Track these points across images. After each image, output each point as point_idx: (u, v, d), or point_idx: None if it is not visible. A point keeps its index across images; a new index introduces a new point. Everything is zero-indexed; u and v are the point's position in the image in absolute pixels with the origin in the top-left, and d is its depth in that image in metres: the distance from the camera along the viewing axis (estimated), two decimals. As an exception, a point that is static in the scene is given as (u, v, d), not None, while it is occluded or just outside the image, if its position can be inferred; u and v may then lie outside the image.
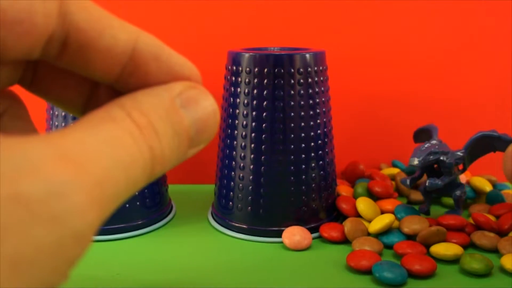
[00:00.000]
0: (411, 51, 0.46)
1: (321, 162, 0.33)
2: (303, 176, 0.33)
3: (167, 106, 0.13)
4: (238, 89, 0.32)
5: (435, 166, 0.35)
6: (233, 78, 0.33)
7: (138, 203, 0.35)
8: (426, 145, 0.34)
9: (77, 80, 0.16)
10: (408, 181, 0.35)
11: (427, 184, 0.34)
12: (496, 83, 0.46)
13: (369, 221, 0.34)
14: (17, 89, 0.17)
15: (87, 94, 0.16)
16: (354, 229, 0.33)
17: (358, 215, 0.35)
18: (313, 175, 0.33)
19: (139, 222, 0.35)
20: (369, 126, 0.47)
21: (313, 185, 0.33)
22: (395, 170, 0.44)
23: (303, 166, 0.33)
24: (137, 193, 0.34)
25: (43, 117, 0.36)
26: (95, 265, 0.30)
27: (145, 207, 0.35)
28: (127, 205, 0.34)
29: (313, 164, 0.33)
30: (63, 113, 0.33)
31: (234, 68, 0.33)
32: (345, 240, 0.33)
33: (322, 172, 0.34)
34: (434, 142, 0.34)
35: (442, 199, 0.40)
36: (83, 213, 0.10)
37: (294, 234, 0.32)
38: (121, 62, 0.14)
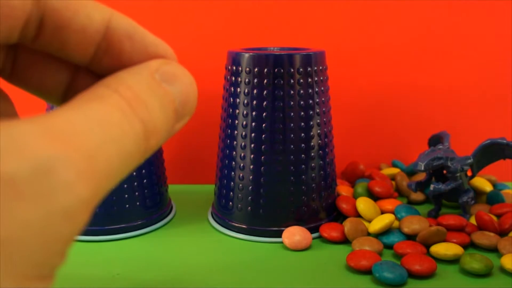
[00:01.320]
0: (412, 51, 0.46)
1: (321, 162, 0.33)
2: (303, 176, 0.33)
3: (149, 81, 0.14)
4: (238, 89, 0.32)
5: (444, 172, 0.35)
6: (233, 78, 0.33)
7: (138, 203, 0.35)
8: (431, 151, 0.34)
9: (56, 67, 0.16)
10: (413, 186, 0.36)
11: (431, 188, 0.34)
12: (499, 84, 0.46)
13: (369, 221, 0.34)
14: (16, 89, 0.17)
15: (66, 82, 0.16)
16: (354, 229, 0.33)
17: (358, 215, 0.35)
18: (313, 175, 0.33)
19: (139, 222, 0.35)
20: (369, 126, 0.47)
21: (313, 185, 0.33)
22: (395, 170, 0.44)
23: (303, 166, 0.33)
24: (137, 193, 0.35)
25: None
26: (95, 265, 0.30)
27: (145, 207, 0.35)
28: (127, 205, 0.34)
29: (313, 164, 0.33)
30: (63, 113, 0.33)
31: (234, 68, 0.33)
32: (345, 240, 0.33)
33: (322, 172, 0.34)
34: (440, 147, 0.34)
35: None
36: (72, 188, 0.10)
37: (294, 234, 0.32)
38: (95, 41, 0.14)
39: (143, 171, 0.35)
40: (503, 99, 0.46)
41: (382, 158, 0.47)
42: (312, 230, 0.34)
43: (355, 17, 0.45)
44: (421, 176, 0.42)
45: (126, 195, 0.34)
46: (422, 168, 0.33)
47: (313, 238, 0.33)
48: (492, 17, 0.45)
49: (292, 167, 0.32)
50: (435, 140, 0.40)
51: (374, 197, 0.38)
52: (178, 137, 0.46)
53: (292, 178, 0.33)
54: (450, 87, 0.46)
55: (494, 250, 0.31)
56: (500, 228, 0.33)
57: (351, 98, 0.46)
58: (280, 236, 0.33)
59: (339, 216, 0.37)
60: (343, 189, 0.38)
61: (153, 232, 0.35)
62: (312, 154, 0.33)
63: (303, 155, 0.32)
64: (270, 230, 0.33)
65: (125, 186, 0.34)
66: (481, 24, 0.45)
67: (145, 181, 0.35)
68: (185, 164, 0.46)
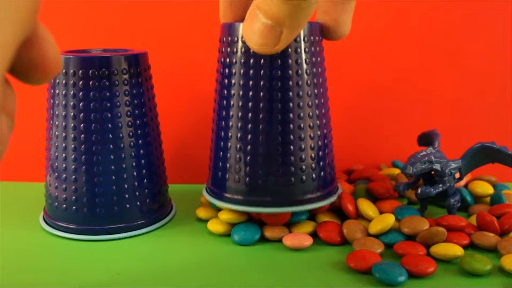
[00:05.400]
0: (412, 50, 0.46)
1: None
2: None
3: None
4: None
5: (432, 172, 0.35)
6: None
7: (138, 203, 0.35)
8: (421, 154, 0.34)
9: None
10: (401, 187, 0.35)
11: (418, 191, 0.34)
12: (498, 83, 0.46)
13: (370, 222, 0.34)
14: (17, 86, 0.17)
15: None
16: (354, 230, 0.33)
17: (358, 215, 0.35)
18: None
19: (139, 222, 0.35)
20: (369, 127, 0.47)
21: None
22: (395, 171, 0.44)
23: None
24: (137, 193, 0.35)
25: (44, 117, 0.36)
26: (95, 265, 0.30)
27: (145, 207, 0.35)
28: (127, 205, 0.34)
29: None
30: (63, 113, 0.33)
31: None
32: (345, 241, 0.33)
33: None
34: (429, 150, 0.34)
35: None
36: None
37: (295, 234, 0.32)
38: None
39: (143, 171, 0.35)
40: (505, 100, 0.46)
41: (382, 158, 0.48)
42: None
43: (356, 16, 0.45)
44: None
45: (127, 195, 0.34)
46: (411, 172, 0.33)
47: (313, 238, 0.33)
48: (489, 20, 0.45)
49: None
50: (425, 139, 0.40)
51: (374, 198, 0.38)
52: (179, 137, 0.46)
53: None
54: (452, 86, 0.46)
55: (494, 250, 0.32)
56: (500, 229, 0.33)
57: (350, 99, 0.46)
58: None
59: (339, 215, 0.37)
60: (343, 189, 0.38)
61: (153, 232, 0.35)
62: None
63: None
64: (270, 230, 0.33)
65: (125, 186, 0.34)
66: (480, 26, 0.45)
67: (145, 181, 0.35)
68: (185, 164, 0.46)
